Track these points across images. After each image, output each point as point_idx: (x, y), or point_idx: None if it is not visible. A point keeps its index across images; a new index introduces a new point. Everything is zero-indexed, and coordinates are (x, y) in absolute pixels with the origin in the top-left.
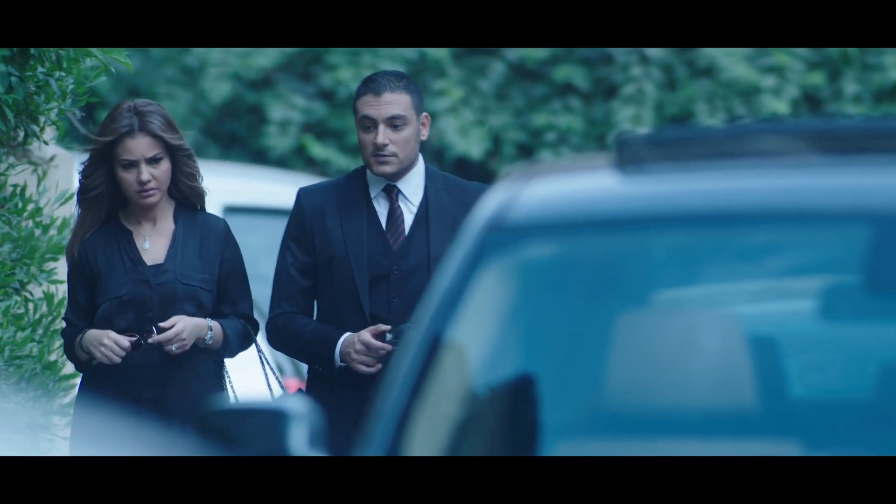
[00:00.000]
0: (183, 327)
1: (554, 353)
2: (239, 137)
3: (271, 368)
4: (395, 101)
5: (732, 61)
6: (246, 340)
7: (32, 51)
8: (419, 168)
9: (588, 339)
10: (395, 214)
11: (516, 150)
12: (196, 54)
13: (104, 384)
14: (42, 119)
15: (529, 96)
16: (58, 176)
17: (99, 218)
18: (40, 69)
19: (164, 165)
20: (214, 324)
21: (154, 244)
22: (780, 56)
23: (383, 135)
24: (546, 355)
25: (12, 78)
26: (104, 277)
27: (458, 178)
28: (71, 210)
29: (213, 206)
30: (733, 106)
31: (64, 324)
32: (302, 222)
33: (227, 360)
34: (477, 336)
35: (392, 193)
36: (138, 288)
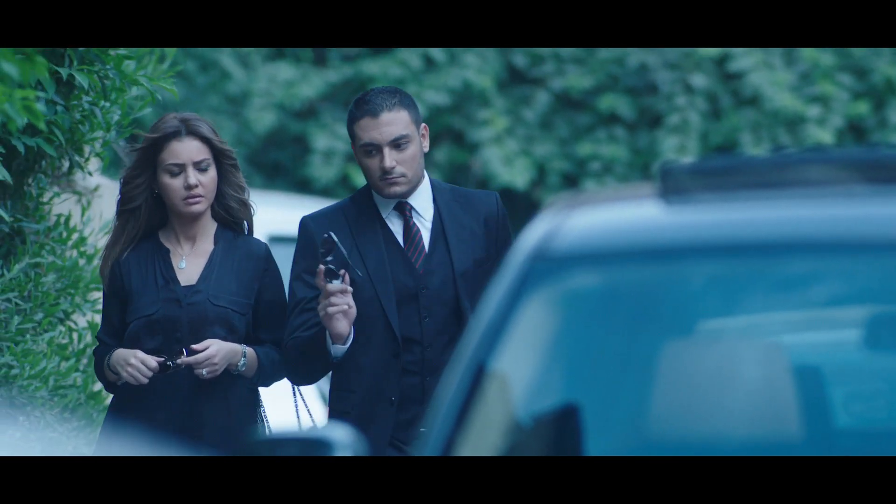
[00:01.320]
0: (216, 351)
1: (598, 382)
2: (283, 167)
3: (303, 400)
4: (395, 121)
5: (777, 91)
6: (281, 370)
7: (77, 81)
8: (426, 182)
9: (632, 369)
10: (411, 232)
11: (561, 179)
12: (239, 83)
13: (131, 408)
14: (87, 149)
15: (574, 126)
16: (102, 206)
17: (134, 236)
18: (85, 98)
19: (212, 173)
20: (249, 350)
21: (191, 264)
22: (824, 85)
23: (389, 158)
24: (590, 384)
25: (58, 107)
26: (136, 296)
27: (462, 187)
28: None
29: (257, 235)
30: (778, 135)
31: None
32: (313, 250)
33: (263, 390)
34: (521, 365)
35: (405, 211)
36: (168, 307)
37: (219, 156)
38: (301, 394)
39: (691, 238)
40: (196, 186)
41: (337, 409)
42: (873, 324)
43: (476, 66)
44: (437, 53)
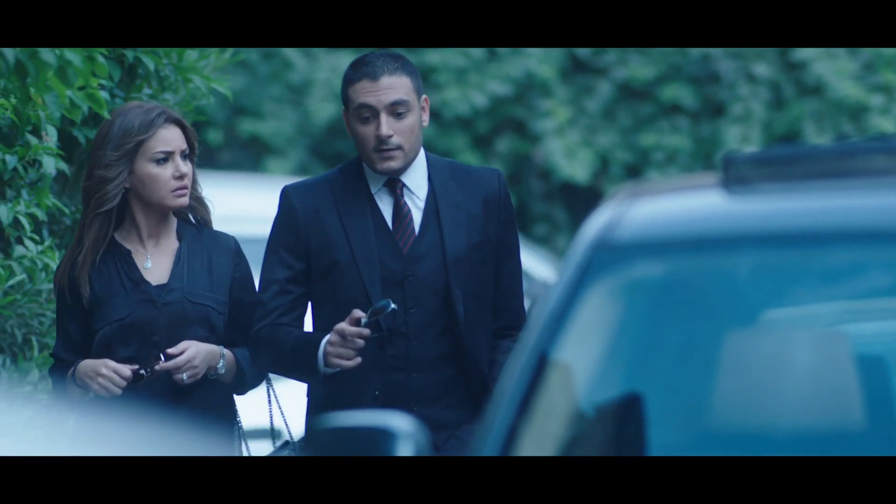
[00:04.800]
0: (195, 353)
1: (660, 372)
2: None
3: (280, 409)
4: (396, 86)
5: (840, 79)
6: (259, 376)
7: (140, 70)
8: (421, 158)
9: (695, 358)
10: (402, 212)
11: (623, 170)
12: (301, 73)
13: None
14: None
15: (637, 116)
16: None
17: (104, 237)
18: (146, 90)
19: (190, 165)
20: (227, 351)
21: (157, 263)
22: (887, 75)
23: (386, 125)
24: (652, 374)
25: (117, 99)
26: (102, 302)
27: (462, 163)
28: None
29: None
30: (841, 124)
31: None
32: (294, 224)
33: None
34: (583, 355)
35: (396, 188)
36: (142, 309)
37: (191, 148)
38: (276, 397)
39: (754, 228)
40: (186, 175)
41: (315, 397)
42: None
43: (538, 56)
44: None
